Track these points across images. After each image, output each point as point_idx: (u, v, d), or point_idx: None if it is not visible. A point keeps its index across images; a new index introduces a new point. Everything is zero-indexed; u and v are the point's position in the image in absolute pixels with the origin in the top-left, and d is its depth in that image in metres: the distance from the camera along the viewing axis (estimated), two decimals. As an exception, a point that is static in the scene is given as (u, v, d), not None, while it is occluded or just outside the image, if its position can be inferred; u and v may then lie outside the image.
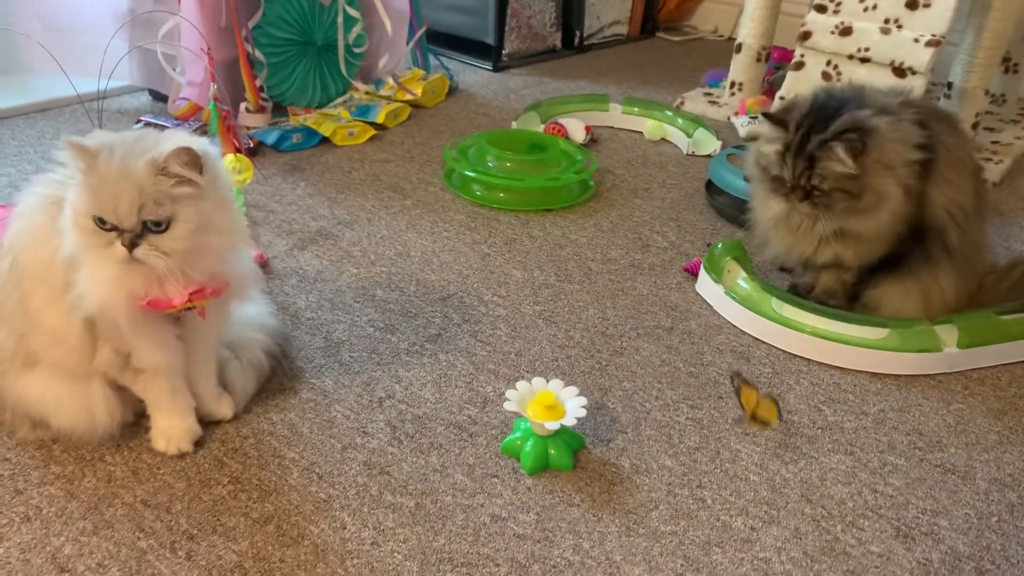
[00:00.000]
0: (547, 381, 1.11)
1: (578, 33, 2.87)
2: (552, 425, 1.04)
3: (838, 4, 1.90)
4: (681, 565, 0.95)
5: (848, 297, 1.39)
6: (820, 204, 1.26)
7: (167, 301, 0.94)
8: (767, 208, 1.34)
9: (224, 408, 1.11)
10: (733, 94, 2.35)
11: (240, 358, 1.15)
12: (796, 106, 1.28)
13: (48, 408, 1.02)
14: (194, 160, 0.90)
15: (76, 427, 1.02)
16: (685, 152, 2.08)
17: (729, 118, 2.30)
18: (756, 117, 2.19)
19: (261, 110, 2.01)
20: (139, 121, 1.96)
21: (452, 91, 2.41)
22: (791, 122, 1.26)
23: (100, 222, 0.89)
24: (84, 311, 0.93)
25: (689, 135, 2.08)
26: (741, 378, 1.18)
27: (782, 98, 2.00)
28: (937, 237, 1.30)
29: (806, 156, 1.24)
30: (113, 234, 0.90)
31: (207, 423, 1.09)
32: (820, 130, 1.23)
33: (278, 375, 1.21)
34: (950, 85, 2.02)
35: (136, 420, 1.08)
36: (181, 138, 0.94)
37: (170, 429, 1.05)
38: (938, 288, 1.33)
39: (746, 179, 1.46)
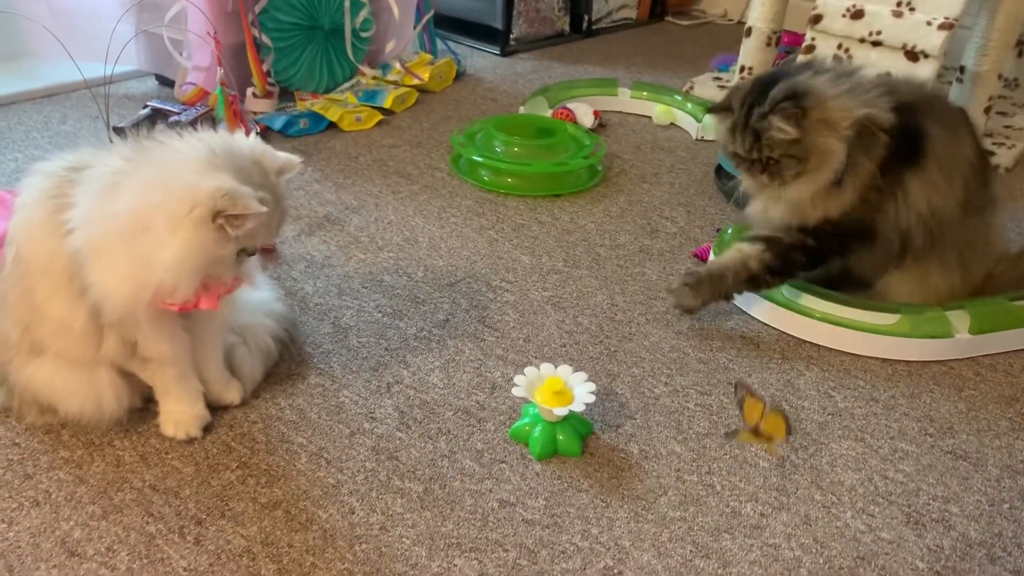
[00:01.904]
0: (555, 367, 1.10)
1: (586, 17, 2.85)
2: (561, 411, 1.03)
3: (850, -13, 1.88)
4: (690, 551, 0.95)
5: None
6: (775, 173, 1.26)
7: (195, 302, 0.95)
8: (744, 184, 1.35)
9: (232, 393, 1.10)
10: (743, 78, 2.33)
11: (248, 343, 1.15)
12: (740, 87, 1.31)
13: (55, 394, 1.02)
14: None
15: (84, 412, 1.03)
16: (694, 137, 2.07)
17: (738, 103, 2.28)
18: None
19: (268, 95, 2.00)
20: (146, 106, 1.96)
21: (459, 76, 2.40)
22: (735, 101, 1.28)
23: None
24: (108, 312, 0.93)
25: (698, 120, 2.07)
26: (746, 388, 1.15)
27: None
28: (898, 241, 1.29)
29: (751, 131, 1.25)
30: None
31: (215, 408, 1.09)
32: (760, 103, 1.24)
33: (286, 360, 1.20)
34: (962, 69, 2.00)
35: (144, 405, 1.08)
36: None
37: (179, 415, 1.05)
38: (930, 282, 1.33)
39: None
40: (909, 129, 1.25)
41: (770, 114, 1.22)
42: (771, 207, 1.33)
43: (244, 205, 0.88)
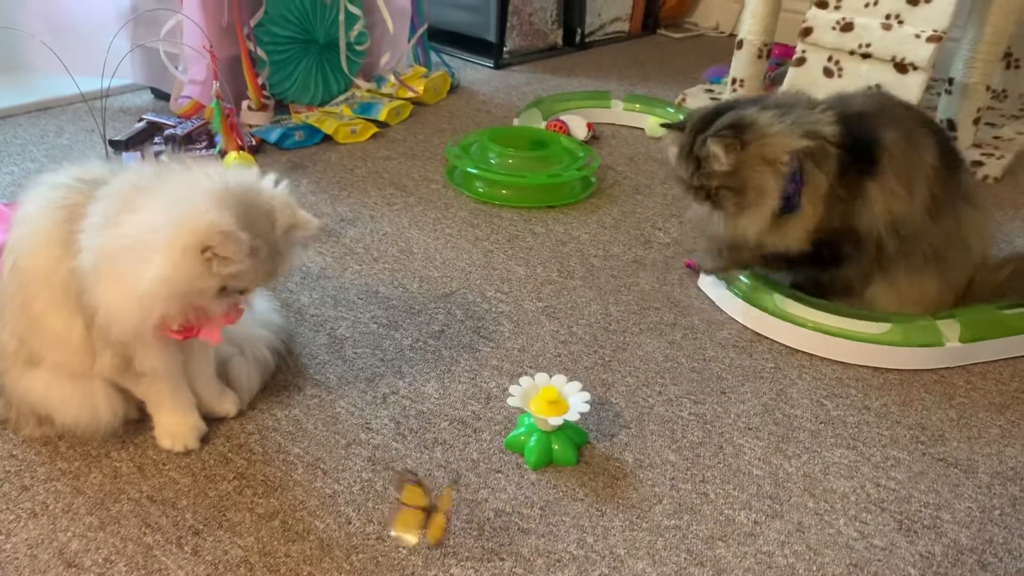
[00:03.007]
0: (550, 377, 1.11)
1: (579, 30, 2.87)
2: (555, 420, 1.04)
3: (839, 0, 1.90)
4: (685, 559, 0.95)
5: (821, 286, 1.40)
6: (715, 202, 1.29)
7: (196, 331, 0.96)
8: (691, 210, 1.38)
9: (227, 404, 1.11)
10: (735, 91, 2.35)
11: (244, 354, 1.15)
12: (696, 111, 1.32)
13: (52, 405, 1.03)
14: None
15: (80, 423, 1.03)
16: (687, 148, 2.08)
17: (730, 114, 2.30)
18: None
19: (263, 108, 2.01)
20: (142, 119, 1.97)
21: (454, 88, 2.41)
22: (688, 125, 1.30)
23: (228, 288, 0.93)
24: (115, 335, 0.94)
25: (691, 131, 2.08)
26: (411, 476, 0.94)
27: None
28: (873, 246, 1.30)
29: (694, 158, 1.27)
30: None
31: (212, 420, 1.10)
32: (704, 130, 1.26)
33: (282, 372, 1.21)
34: (951, 81, 2.02)
35: (140, 417, 1.08)
36: (284, 202, 0.96)
37: (174, 427, 1.05)
38: (916, 290, 1.34)
39: None
40: (861, 139, 1.26)
41: (710, 138, 1.23)
42: (735, 231, 1.33)
43: (233, 249, 0.87)
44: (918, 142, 1.31)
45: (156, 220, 0.89)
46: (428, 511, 0.94)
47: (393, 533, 0.94)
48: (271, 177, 0.99)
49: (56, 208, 0.96)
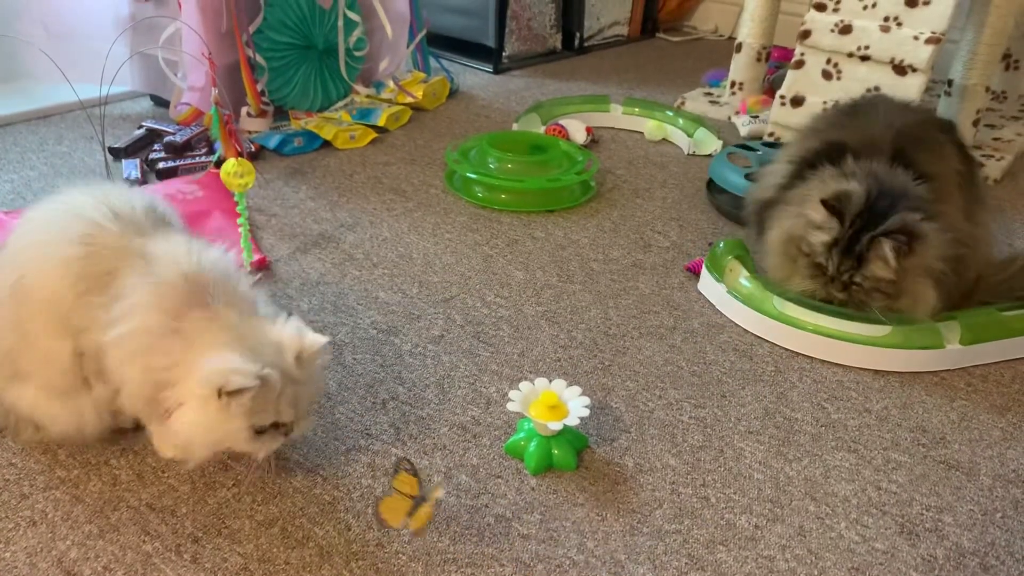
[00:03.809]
0: (550, 381, 1.11)
1: (578, 34, 2.87)
2: (555, 425, 1.04)
3: (838, 2, 1.91)
4: (686, 564, 0.95)
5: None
6: (856, 299, 1.28)
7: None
8: (796, 284, 1.34)
9: None
10: (734, 94, 2.35)
11: None
12: (851, 198, 1.26)
13: (39, 419, 1.03)
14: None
15: (67, 435, 1.03)
16: (686, 152, 2.09)
17: (730, 118, 2.30)
18: (757, 116, 2.19)
19: (262, 114, 2.01)
20: (141, 126, 1.97)
21: (453, 93, 2.41)
22: (847, 215, 1.25)
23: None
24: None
25: (690, 135, 2.08)
26: (408, 464, 0.96)
27: (782, 97, 2.01)
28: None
29: (855, 254, 1.24)
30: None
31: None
32: (868, 228, 1.23)
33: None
34: (950, 83, 2.02)
35: (134, 427, 1.08)
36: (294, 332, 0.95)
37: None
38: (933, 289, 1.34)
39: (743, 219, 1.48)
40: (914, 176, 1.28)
41: (883, 238, 1.21)
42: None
43: (242, 382, 0.87)
44: (944, 151, 1.34)
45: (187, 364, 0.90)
46: (417, 501, 0.94)
47: (378, 513, 0.94)
48: (279, 314, 0.98)
49: (79, 243, 0.94)
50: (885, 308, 1.27)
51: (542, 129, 2.08)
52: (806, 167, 1.38)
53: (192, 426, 0.90)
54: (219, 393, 0.87)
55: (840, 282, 1.28)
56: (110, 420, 1.04)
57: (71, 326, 0.94)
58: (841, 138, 1.37)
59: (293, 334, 0.94)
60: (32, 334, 0.96)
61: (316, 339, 0.95)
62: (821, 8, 1.92)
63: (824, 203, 1.26)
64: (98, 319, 0.92)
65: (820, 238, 1.27)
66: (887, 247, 1.21)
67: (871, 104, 1.49)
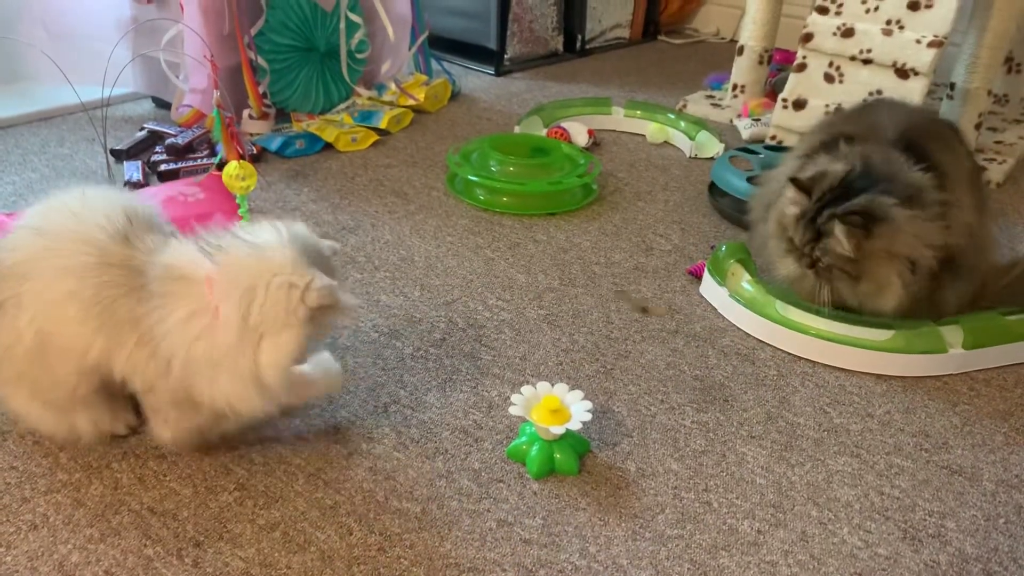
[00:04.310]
0: (552, 385, 1.11)
1: (580, 37, 2.87)
2: (557, 429, 1.04)
3: (840, 6, 1.91)
4: (688, 569, 0.95)
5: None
6: (823, 275, 1.27)
7: None
8: (782, 266, 1.35)
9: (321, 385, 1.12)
10: (735, 96, 2.35)
11: None
12: (826, 176, 1.26)
13: (29, 422, 1.03)
14: None
15: (56, 438, 1.05)
16: (688, 155, 2.08)
17: (732, 120, 2.30)
18: (759, 119, 2.19)
19: (264, 116, 2.01)
20: (143, 128, 1.97)
21: (454, 96, 2.41)
22: (815, 191, 1.25)
23: None
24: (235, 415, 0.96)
25: (692, 138, 2.08)
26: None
27: (784, 100, 2.00)
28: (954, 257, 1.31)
29: (814, 228, 1.24)
30: None
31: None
32: (834, 205, 1.23)
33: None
34: (952, 86, 2.02)
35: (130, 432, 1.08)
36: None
37: None
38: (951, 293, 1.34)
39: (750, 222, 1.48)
40: (930, 170, 1.26)
41: (837, 219, 1.21)
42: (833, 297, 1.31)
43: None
44: (954, 146, 1.35)
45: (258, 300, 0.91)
46: None
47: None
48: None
49: (92, 274, 0.93)
50: (850, 292, 1.27)
51: (544, 132, 2.08)
52: (810, 160, 1.38)
53: (287, 346, 0.91)
54: (291, 287, 0.90)
55: (807, 257, 1.27)
56: (107, 423, 1.04)
57: (92, 361, 0.95)
58: (848, 131, 1.37)
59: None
60: (50, 366, 0.96)
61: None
62: (823, 11, 1.92)
63: (792, 180, 1.27)
64: (128, 342, 0.94)
65: (792, 211, 1.29)
66: (838, 229, 1.21)
67: (880, 103, 1.49)
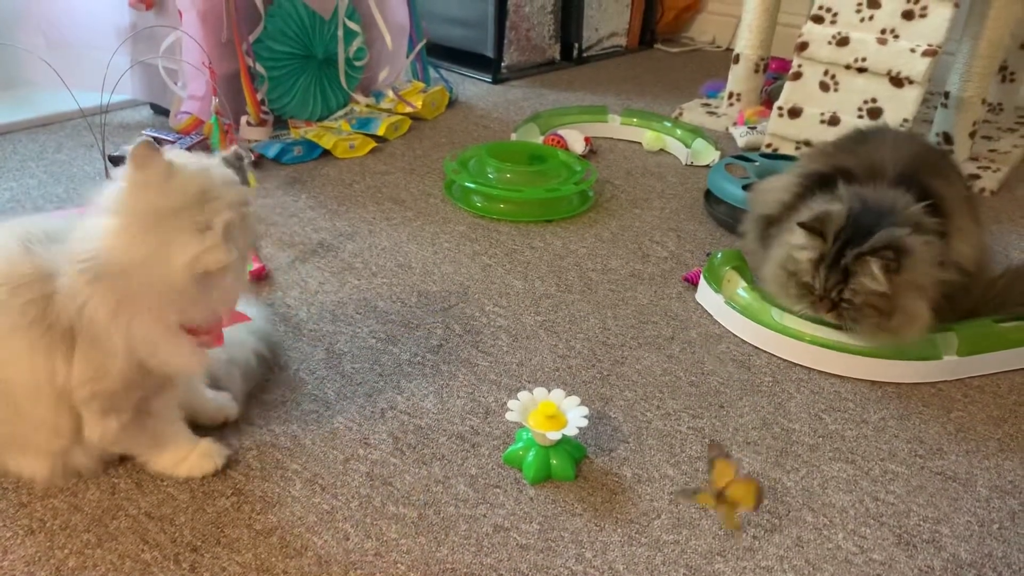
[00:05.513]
0: (548, 391, 1.11)
1: (577, 45, 2.88)
2: (554, 435, 1.04)
3: (835, 15, 1.92)
4: (683, 574, 0.95)
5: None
6: (847, 317, 1.26)
7: (203, 330, 0.97)
8: (793, 307, 1.33)
9: (228, 409, 1.11)
10: (731, 104, 2.36)
11: (232, 359, 1.15)
12: (832, 217, 1.25)
13: (26, 476, 1.01)
14: None
15: (56, 484, 1.02)
16: (684, 162, 2.09)
17: (727, 128, 2.31)
18: (755, 127, 2.20)
19: (262, 123, 2.02)
20: (141, 135, 1.97)
21: (452, 103, 2.42)
22: (828, 233, 1.24)
23: None
24: (154, 358, 0.93)
25: (688, 145, 2.09)
26: (720, 450, 1.04)
27: (780, 108, 2.02)
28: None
29: (841, 269, 1.23)
30: None
31: (212, 430, 1.09)
32: (854, 244, 1.22)
33: (280, 387, 1.21)
34: (947, 95, 2.03)
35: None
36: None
37: (190, 452, 1.03)
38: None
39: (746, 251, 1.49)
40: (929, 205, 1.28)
41: (869, 256, 1.21)
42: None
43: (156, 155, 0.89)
44: (950, 175, 1.40)
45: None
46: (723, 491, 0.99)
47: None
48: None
49: (13, 302, 0.90)
50: (877, 327, 1.26)
51: (541, 139, 2.09)
52: (808, 188, 1.39)
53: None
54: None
55: (829, 300, 1.26)
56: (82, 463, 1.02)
57: (61, 383, 0.92)
58: (846, 164, 1.39)
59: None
60: (23, 411, 0.94)
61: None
62: (819, 20, 1.94)
63: (801, 225, 1.26)
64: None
65: (806, 255, 1.27)
66: (875, 266, 1.20)
67: (876, 136, 1.49)
